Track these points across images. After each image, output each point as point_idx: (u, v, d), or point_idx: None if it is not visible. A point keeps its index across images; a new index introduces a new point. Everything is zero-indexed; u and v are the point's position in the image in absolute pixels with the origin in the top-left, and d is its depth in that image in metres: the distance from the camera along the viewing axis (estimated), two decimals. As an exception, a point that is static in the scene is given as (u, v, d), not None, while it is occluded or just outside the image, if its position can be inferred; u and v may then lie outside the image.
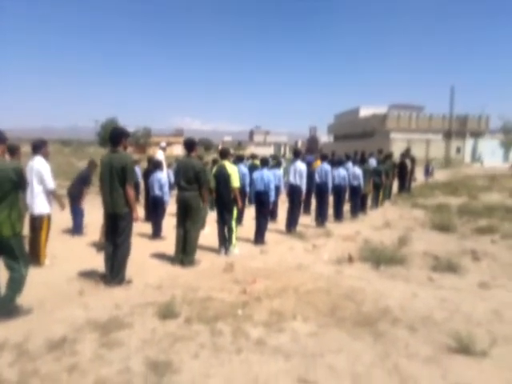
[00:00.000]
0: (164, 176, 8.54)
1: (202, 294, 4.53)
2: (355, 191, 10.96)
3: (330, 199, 10.14)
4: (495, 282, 5.23)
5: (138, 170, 11.64)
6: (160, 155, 11.17)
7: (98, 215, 5.48)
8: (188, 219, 6.10)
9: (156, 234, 8.12)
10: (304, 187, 8.67)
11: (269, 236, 7.96)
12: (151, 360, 3.08)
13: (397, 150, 26.44)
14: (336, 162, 10.78)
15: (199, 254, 6.33)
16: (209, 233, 7.98)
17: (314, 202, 10.39)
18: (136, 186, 11.20)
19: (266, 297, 4.45)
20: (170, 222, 7.97)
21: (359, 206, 11.21)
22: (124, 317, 3.89)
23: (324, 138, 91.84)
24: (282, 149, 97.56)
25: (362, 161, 12.39)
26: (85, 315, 3.95)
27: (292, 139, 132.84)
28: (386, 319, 3.92)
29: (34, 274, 4.49)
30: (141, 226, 7.78)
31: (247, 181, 9.61)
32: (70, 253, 6.60)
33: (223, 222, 6.93)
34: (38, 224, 5.85)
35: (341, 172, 10.25)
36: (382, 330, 3.69)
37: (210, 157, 18.23)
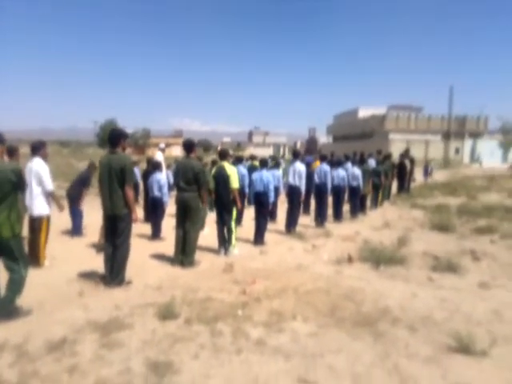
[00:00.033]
0: (163, 177, 8.54)
1: (202, 295, 4.53)
2: (354, 192, 10.96)
3: (330, 200, 10.14)
4: (495, 281, 5.24)
5: (138, 171, 11.64)
6: (159, 156, 11.17)
7: (98, 216, 5.48)
8: (187, 220, 6.10)
9: (155, 234, 8.12)
10: (303, 188, 8.68)
11: (268, 236, 7.96)
12: (151, 361, 3.08)
13: (396, 151, 26.46)
14: (335, 163, 10.77)
15: (199, 255, 6.33)
16: (208, 233, 7.98)
17: (313, 202, 10.39)
18: (135, 187, 11.20)
19: (266, 297, 4.45)
20: (169, 223, 7.97)
21: (358, 207, 11.22)
22: (124, 318, 3.89)
23: (323, 138, 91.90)
24: (281, 149, 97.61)
25: (361, 161, 12.40)
26: (85, 316, 3.95)
27: (291, 140, 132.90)
28: (385, 319, 3.93)
29: (33, 275, 4.48)
30: (140, 227, 7.78)
31: (246, 182, 9.61)
32: (70, 254, 6.60)
33: (223, 222, 6.94)
34: (38, 225, 5.85)
35: (340, 172, 10.26)
36: (382, 330, 3.69)
37: (209, 158, 18.23)
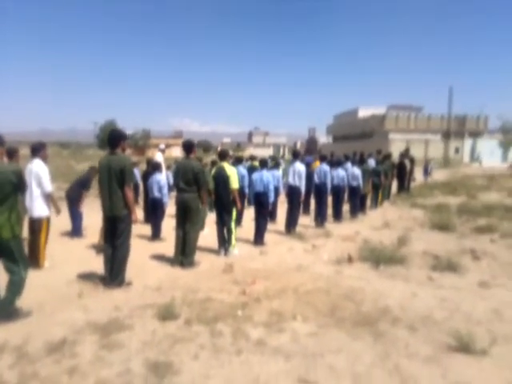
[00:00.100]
0: (163, 178, 8.54)
1: (202, 295, 4.53)
2: (354, 192, 10.96)
3: (329, 200, 10.14)
4: (495, 281, 5.24)
5: (137, 172, 11.64)
6: (159, 157, 11.18)
7: (98, 217, 5.48)
8: (187, 221, 6.10)
9: (155, 235, 8.12)
10: (303, 188, 8.67)
11: (268, 237, 7.96)
12: (151, 361, 3.08)
13: (395, 151, 26.47)
14: (335, 163, 10.77)
15: (199, 256, 6.32)
16: (208, 234, 7.98)
17: (313, 202, 10.39)
18: (135, 188, 11.20)
19: (266, 297, 4.45)
20: (169, 224, 7.97)
21: (358, 207, 11.21)
22: (124, 319, 3.89)
23: (323, 138, 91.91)
24: (281, 150, 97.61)
25: (361, 161, 12.40)
26: (84, 317, 3.95)
27: (291, 140, 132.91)
28: (385, 319, 3.93)
29: (33, 277, 4.49)
30: (140, 228, 7.78)
31: (246, 182, 9.61)
32: (70, 255, 6.59)
33: (222, 223, 6.94)
34: (37, 226, 5.84)
35: (340, 172, 10.26)
36: (382, 329, 3.69)
37: (209, 158, 18.24)
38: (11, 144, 6.32)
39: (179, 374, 2.94)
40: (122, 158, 5.01)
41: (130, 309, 4.16)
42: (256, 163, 11.39)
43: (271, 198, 7.84)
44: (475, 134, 58.19)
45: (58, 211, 5.99)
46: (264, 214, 7.86)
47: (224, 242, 6.95)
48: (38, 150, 5.94)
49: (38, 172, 5.74)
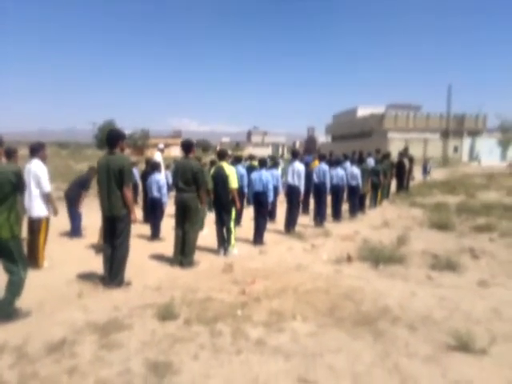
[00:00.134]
0: (162, 177, 8.53)
1: (202, 295, 4.53)
2: (353, 191, 10.97)
3: (328, 199, 10.14)
4: (494, 280, 5.24)
5: (136, 172, 11.63)
6: (158, 157, 11.17)
7: (97, 217, 5.47)
8: (186, 220, 6.10)
9: (155, 235, 8.12)
10: (302, 188, 8.67)
11: (268, 236, 7.96)
12: (151, 361, 3.08)
13: (394, 150, 26.48)
14: (334, 162, 10.78)
15: (198, 255, 6.32)
16: (207, 234, 7.98)
17: (312, 202, 10.39)
18: (135, 188, 11.19)
19: (266, 297, 4.45)
20: (168, 224, 7.97)
21: (358, 206, 11.22)
22: (123, 318, 3.89)
23: (322, 138, 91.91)
24: (280, 149, 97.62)
25: (360, 160, 12.40)
26: (84, 317, 3.95)
27: (290, 140, 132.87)
28: (385, 318, 3.93)
29: (32, 277, 4.48)
30: (139, 228, 7.77)
31: (245, 182, 9.60)
32: (69, 255, 6.59)
33: (222, 222, 6.93)
34: (37, 227, 5.84)
35: (339, 172, 10.26)
36: (382, 329, 3.69)
37: (208, 158, 18.24)
38: (10, 144, 6.31)
39: (179, 373, 2.95)
40: (121, 157, 5.01)
41: (130, 309, 4.16)
42: (255, 163, 11.38)
43: (270, 198, 7.84)
44: (474, 133, 58.25)
45: (55, 212, 5.97)
46: (263, 213, 7.85)
47: (223, 241, 6.95)
48: (36, 150, 5.93)
49: (36, 172, 5.73)
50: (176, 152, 57.64)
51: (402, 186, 15.42)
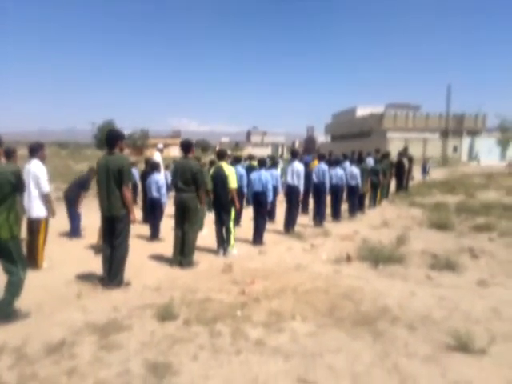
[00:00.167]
0: (161, 178, 8.52)
1: (201, 296, 4.52)
2: (353, 191, 10.97)
3: (328, 199, 10.14)
4: (493, 279, 5.24)
5: (136, 172, 11.62)
6: (157, 157, 11.15)
7: (96, 218, 5.46)
8: (186, 221, 6.09)
9: (154, 235, 8.11)
10: (302, 187, 8.67)
11: (267, 236, 7.96)
12: (150, 362, 3.08)
13: (394, 150, 26.49)
14: (333, 162, 10.78)
15: (197, 256, 6.32)
16: (207, 234, 7.97)
17: (311, 201, 10.39)
18: (134, 188, 11.17)
19: (265, 297, 4.45)
20: (167, 224, 7.96)
21: (357, 206, 11.22)
22: (123, 319, 3.89)
23: (321, 137, 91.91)
24: (280, 149, 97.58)
25: (359, 160, 12.40)
26: (83, 318, 3.95)
27: (289, 139, 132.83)
28: (384, 318, 3.93)
29: (31, 277, 4.47)
30: (139, 228, 7.77)
31: (245, 182, 9.60)
32: (68, 256, 6.58)
33: (221, 223, 6.93)
34: (36, 227, 5.83)
35: (338, 172, 10.26)
36: (381, 329, 3.69)
37: (208, 158, 18.24)
38: (9, 144, 6.31)
39: (178, 374, 2.94)
40: (120, 157, 5.00)
41: (129, 309, 4.16)
42: (254, 163, 11.38)
43: (270, 198, 7.84)
44: (473, 133, 58.29)
45: (52, 213, 5.94)
46: (263, 213, 7.85)
47: (223, 241, 6.95)
48: (36, 150, 5.92)
49: (36, 172, 5.72)
50: (175, 152, 57.62)
51: (402, 185, 15.43)
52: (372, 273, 5.57)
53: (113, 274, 5.01)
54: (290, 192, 8.76)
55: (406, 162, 15.40)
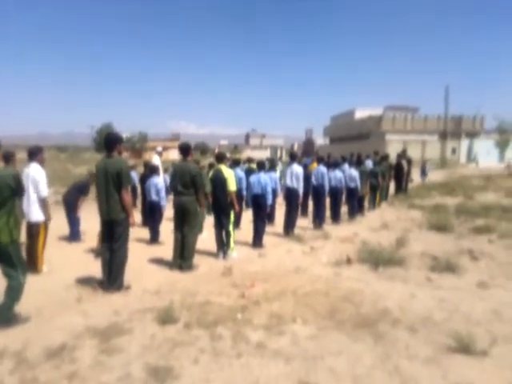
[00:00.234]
0: (160, 181, 8.51)
1: (201, 299, 4.52)
2: (352, 193, 10.97)
3: (327, 201, 10.14)
4: (493, 281, 5.25)
5: (135, 175, 11.60)
6: (156, 160, 11.14)
7: (96, 221, 5.46)
8: (185, 224, 6.09)
9: (153, 239, 8.10)
10: (301, 190, 8.68)
11: (267, 239, 7.95)
12: (151, 366, 3.07)
13: (392, 152, 26.51)
14: (332, 164, 10.80)
15: (197, 259, 6.31)
16: (206, 237, 7.96)
17: (311, 204, 10.40)
18: (133, 191, 11.16)
19: (265, 300, 4.45)
20: (167, 227, 7.95)
21: (356, 208, 11.22)
22: (123, 323, 3.88)
23: (320, 140, 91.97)
24: (279, 152, 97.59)
25: (358, 162, 12.42)
26: (84, 322, 3.94)
27: (288, 142, 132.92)
28: (385, 320, 3.93)
29: (31, 282, 4.46)
30: (138, 232, 7.75)
31: (244, 184, 9.61)
32: (68, 259, 6.57)
33: (221, 226, 6.92)
34: (35, 231, 5.81)
35: (337, 174, 10.27)
36: (382, 331, 3.69)
37: (207, 161, 18.25)
38: (8, 148, 6.30)
39: (179, 378, 2.94)
40: (119, 161, 5.00)
41: (130, 313, 4.15)
42: (253, 165, 11.38)
43: (269, 201, 7.83)
44: (472, 135, 58.37)
45: (48, 218, 5.90)
46: (262, 216, 7.85)
47: (222, 244, 6.94)
48: (35, 153, 5.91)
49: (35, 176, 5.71)
50: (174, 155, 57.63)
51: (401, 187, 15.44)
52: (372, 275, 5.57)
53: (113, 278, 5.00)
54: (290, 195, 8.77)
55: (404, 164, 15.41)
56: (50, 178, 6.47)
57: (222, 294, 4.68)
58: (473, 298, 4.58)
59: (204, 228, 8.44)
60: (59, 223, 7.89)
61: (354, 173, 10.89)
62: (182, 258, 6.06)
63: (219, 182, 6.74)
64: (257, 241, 7.71)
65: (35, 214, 5.74)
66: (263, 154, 69.35)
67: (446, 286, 5.04)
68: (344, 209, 11.08)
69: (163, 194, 8.22)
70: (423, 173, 23.15)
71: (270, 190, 7.79)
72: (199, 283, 5.22)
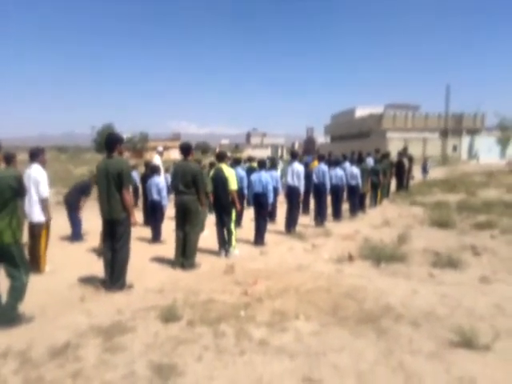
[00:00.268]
0: (162, 180, 8.53)
1: (204, 297, 4.53)
2: (353, 191, 10.98)
3: (328, 199, 10.15)
4: (496, 276, 5.25)
5: (136, 175, 11.61)
6: (157, 160, 11.15)
7: (98, 221, 5.47)
8: (187, 223, 6.10)
9: (155, 238, 8.11)
10: (302, 188, 8.69)
11: (268, 237, 7.96)
12: (155, 363, 3.08)
13: (393, 150, 26.48)
14: (333, 163, 10.81)
15: (199, 257, 6.32)
16: (208, 235, 7.97)
17: (312, 202, 10.40)
18: (135, 191, 11.18)
19: (268, 297, 4.45)
20: (169, 226, 7.97)
21: (358, 205, 11.23)
22: (126, 321, 3.89)
23: (321, 138, 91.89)
24: (280, 150, 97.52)
25: (359, 160, 12.42)
26: (87, 321, 3.95)
27: (289, 141, 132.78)
28: (388, 316, 3.93)
29: (34, 281, 4.48)
30: (140, 231, 7.77)
31: (245, 183, 9.62)
32: (70, 259, 6.58)
33: (222, 224, 6.93)
34: (38, 231, 5.83)
35: (338, 172, 10.28)
36: (385, 327, 3.69)
37: (207, 160, 18.26)
38: (8, 149, 6.31)
39: (183, 375, 2.95)
40: (120, 161, 5.01)
41: (133, 311, 4.16)
42: (254, 164, 11.39)
43: (270, 199, 7.85)
44: (473, 132, 58.30)
45: (49, 218, 5.90)
46: (263, 214, 7.86)
47: (224, 243, 6.95)
48: (36, 155, 5.93)
49: (36, 177, 5.72)
50: (175, 155, 57.62)
51: (402, 185, 15.44)
52: (374, 272, 5.57)
53: (115, 277, 5.01)
54: (291, 193, 8.77)
55: (406, 161, 15.41)
56: (52, 179, 6.49)
57: (224, 292, 4.69)
58: (475, 293, 4.58)
59: (206, 226, 8.45)
60: (61, 223, 7.91)
61: (355, 170, 10.90)
62: (184, 256, 6.08)
63: (220, 181, 6.75)
64: (258, 239, 7.72)
65: (37, 215, 5.76)
66: (264, 153, 69.32)
67: (448, 282, 5.03)
68: (345, 206, 11.09)
69: (164, 193, 8.24)
70: (424, 170, 23.13)
71: (271, 188, 7.80)
72: (202, 281, 5.23)
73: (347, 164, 11.61)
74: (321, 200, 9.80)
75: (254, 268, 5.77)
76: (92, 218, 7.90)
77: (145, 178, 9.50)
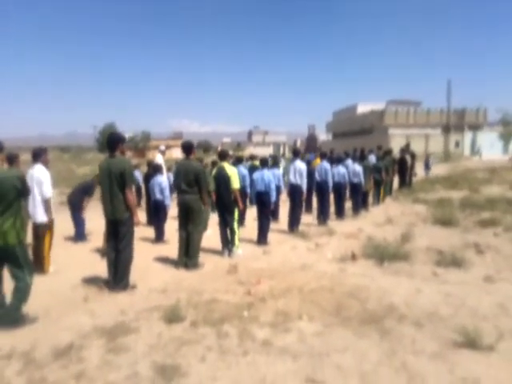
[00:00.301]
0: (164, 180, 8.53)
1: (207, 297, 4.53)
2: (356, 188, 10.95)
3: (331, 197, 10.13)
4: (500, 275, 5.23)
5: (139, 175, 11.62)
6: (159, 159, 11.16)
7: (101, 221, 5.48)
8: (190, 222, 6.10)
9: (158, 238, 8.12)
10: (305, 186, 8.67)
11: (271, 236, 7.96)
12: (158, 364, 3.08)
13: (396, 146, 26.41)
14: (335, 160, 10.78)
15: (202, 257, 6.32)
16: (211, 235, 7.97)
17: (315, 200, 10.38)
18: (138, 191, 11.18)
19: (271, 297, 4.45)
20: (172, 226, 7.97)
21: (360, 203, 11.20)
22: (130, 322, 3.90)
23: (323, 135, 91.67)
24: (282, 148, 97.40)
25: (361, 158, 12.39)
26: (91, 322, 3.96)
27: (291, 138, 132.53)
28: (391, 316, 3.92)
29: (38, 282, 4.48)
30: (143, 231, 7.78)
31: (247, 182, 9.61)
32: (74, 260, 6.60)
33: (225, 223, 6.93)
34: (41, 232, 5.85)
35: (340, 170, 10.25)
36: (388, 327, 3.68)
37: (210, 159, 18.25)
38: (11, 150, 6.32)
39: (186, 376, 2.95)
40: (122, 160, 5.01)
41: (136, 312, 4.17)
42: (256, 163, 11.38)
43: (273, 198, 7.84)
44: (475, 127, 58.04)
45: (49, 218, 5.90)
46: (266, 213, 7.85)
47: (227, 242, 6.95)
48: (39, 155, 5.94)
49: (39, 177, 5.73)
50: (177, 154, 57.65)
51: (405, 182, 15.40)
52: (377, 270, 5.56)
53: (118, 278, 5.02)
54: (293, 191, 8.76)
55: (408, 158, 15.36)
56: (55, 179, 6.50)
57: (228, 292, 4.69)
58: (479, 293, 4.56)
59: (208, 226, 8.45)
60: (65, 224, 7.92)
61: (358, 168, 10.86)
62: (188, 256, 6.08)
63: (222, 179, 6.75)
64: (261, 238, 7.72)
65: (41, 215, 5.77)
66: (266, 151, 69.23)
67: (451, 281, 5.02)
68: (348, 204, 11.07)
69: (167, 192, 8.24)
70: (427, 167, 23.05)
71: (273, 186, 7.79)
72: (205, 281, 5.23)
73: (349, 161, 11.60)
74: (323, 198, 9.78)
75: (257, 267, 5.76)
76: (95, 218, 7.92)
77: (147, 178, 9.51)
